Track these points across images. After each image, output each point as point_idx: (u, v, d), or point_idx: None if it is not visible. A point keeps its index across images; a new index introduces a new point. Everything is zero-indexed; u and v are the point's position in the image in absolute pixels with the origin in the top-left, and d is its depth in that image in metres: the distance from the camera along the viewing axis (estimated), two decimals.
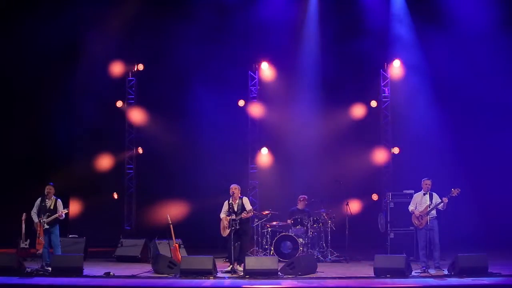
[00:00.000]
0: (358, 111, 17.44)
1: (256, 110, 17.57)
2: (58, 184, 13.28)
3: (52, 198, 12.84)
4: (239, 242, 12.68)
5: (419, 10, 16.93)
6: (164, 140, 17.79)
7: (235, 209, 12.73)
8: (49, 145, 16.74)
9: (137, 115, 17.91)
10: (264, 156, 17.56)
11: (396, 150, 17.04)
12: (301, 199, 14.82)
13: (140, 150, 17.93)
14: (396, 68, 17.16)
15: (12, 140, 16.98)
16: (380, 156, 17.25)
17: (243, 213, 12.65)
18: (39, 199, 12.86)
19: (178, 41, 16.81)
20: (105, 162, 17.65)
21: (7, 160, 16.76)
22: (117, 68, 17.66)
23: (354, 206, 15.27)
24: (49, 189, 12.86)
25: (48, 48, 16.35)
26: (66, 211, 12.71)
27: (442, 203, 12.29)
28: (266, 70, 17.56)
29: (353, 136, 17.03)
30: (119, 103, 17.87)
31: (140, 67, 17.82)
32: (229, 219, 12.60)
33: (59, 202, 12.85)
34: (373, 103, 17.39)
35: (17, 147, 16.93)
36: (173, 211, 13.80)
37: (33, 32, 16.20)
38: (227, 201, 12.94)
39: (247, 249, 13.24)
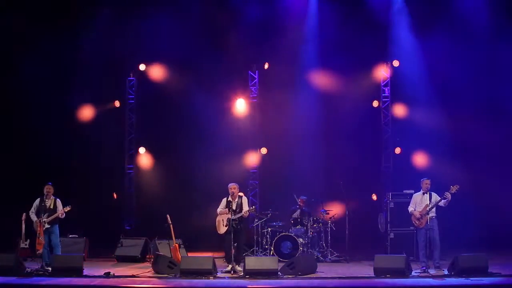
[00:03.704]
0: (358, 111, 17.40)
1: (256, 110, 17.56)
2: (58, 184, 13.30)
3: (51, 198, 12.85)
4: (236, 242, 12.67)
5: (419, 9, 16.91)
6: (164, 140, 17.81)
7: (234, 208, 12.73)
8: (49, 144, 16.72)
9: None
10: (264, 156, 17.56)
11: (397, 150, 17.03)
12: (300, 200, 14.82)
13: (142, 150, 17.95)
14: (396, 68, 17.15)
15: (11, 140, 16.98)
16: (380, 155, 17.23)
17: (242, 213, 12.65)
18: (38, 199, 12.87)
19: (177, 40, 16.80)
20: (105, 161, 17.65)
21: (7, 159, 16.74)
22: (117, 68, 17.67)
23: (354, 206, 15.25)
24: (48, 188, 12.87)
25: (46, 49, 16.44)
26: (69, 209, 12.71)
27: (446, 200, 12.23)
28: (266, 71, 17.55)
29: (353, 136, 17.00)
30: (117, 103, 17.89)
31: (142, 66, 17.83)
32: (229, 218, 12.58)
33: (59, 201, 12.86)
34: (374, 103, 17.39)
35: (17, 147, 16.93)
36: (173, 211, 13.75)
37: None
38: (225, 198, 12.95)
39: (245, 247, 13.22)
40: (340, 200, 15.13)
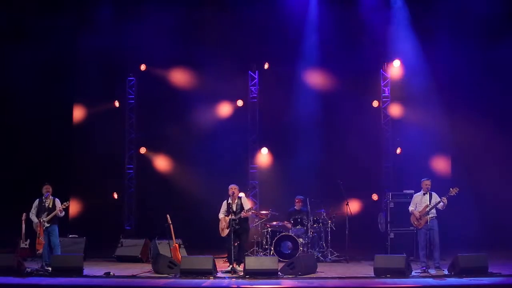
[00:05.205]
0: (358, 111, 17.39)
1: (256, 110, 17.57)
2: (58, 184, 13.29)
3: (50, 198, 12.85)
4: (238, 242, 12.69)
5: (420, 9, 16.91)
6: (164, 140, 17.81)
7: (234, 209, 12.74)
8: (49, 144, 16.72)
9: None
10: (264, 156, 17.56)
11: (397, 150, 17.03)
12: (297, 200, 14.81)
13: (142, 150, 17.95)
14: (396, 68, 17.16)
15: (11, 140, 16.98)
16: (380, 155, 17.23)
17: (242, 212, 12.66)
18: (37, 200, 12.88)
19: (178, 40, 16.80)
20: (105, 161, 17.64)
21: (7, 160, 16.75)
22: (117, 68, 17.67)
23: (354, 206, 15.24)
24: (47, 188, 12.88)
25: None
26: (67, 204, 12.73)
27: (442, 203, 12.29)
28: (266, 71, 17.55)
29: (353, 136, 17.00)
30: (117, 103, 17.91)
31: (142, 67, 17.82)
32: (229, 219, 12.62)
33: (57, 201, 12.87)
34: (374, 103, 17.39)
35: (16, 147, 16.93)
36: (173, 211, 13.75)
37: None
38: (225, 201, 12.95)
39: (246, 248, 13.24)
40: (340, 200, 15.11)
